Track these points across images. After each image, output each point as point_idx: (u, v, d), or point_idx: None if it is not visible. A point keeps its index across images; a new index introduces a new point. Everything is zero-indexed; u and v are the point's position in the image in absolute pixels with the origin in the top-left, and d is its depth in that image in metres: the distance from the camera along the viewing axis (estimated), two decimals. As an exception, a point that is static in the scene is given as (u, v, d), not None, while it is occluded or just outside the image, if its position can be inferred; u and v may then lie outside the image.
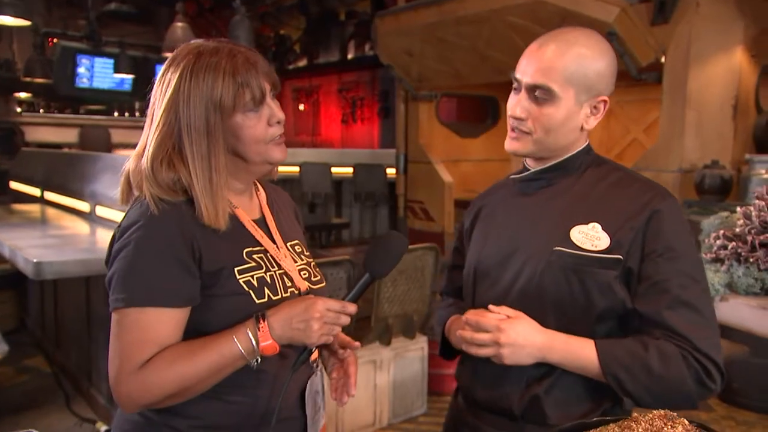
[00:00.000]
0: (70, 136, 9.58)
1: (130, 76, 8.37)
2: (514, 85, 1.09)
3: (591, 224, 1.05)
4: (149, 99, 1.00)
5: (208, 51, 0.98)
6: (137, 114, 10.68)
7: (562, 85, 1.03)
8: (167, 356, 0.92)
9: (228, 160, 0.99)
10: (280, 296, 1.00)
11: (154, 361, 0.92)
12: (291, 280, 1.04)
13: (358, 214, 7.21)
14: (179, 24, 6.02)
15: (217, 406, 0.98)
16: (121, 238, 0.96)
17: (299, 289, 1.05)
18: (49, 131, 9.38)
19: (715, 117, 4.36)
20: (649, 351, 0.97)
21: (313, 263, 1.14)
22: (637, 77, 4.45)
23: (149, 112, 1.00)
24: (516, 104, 1.08)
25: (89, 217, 3.07)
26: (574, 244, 1.04)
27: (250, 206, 1.09)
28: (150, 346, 0.92)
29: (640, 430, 0.78)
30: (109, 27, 8.98)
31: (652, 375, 0.96)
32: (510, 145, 1.11)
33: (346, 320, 0.97)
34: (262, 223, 1.08)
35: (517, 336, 1.01)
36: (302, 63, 10.40)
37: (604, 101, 1.08)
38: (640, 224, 1.02)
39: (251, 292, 0.97)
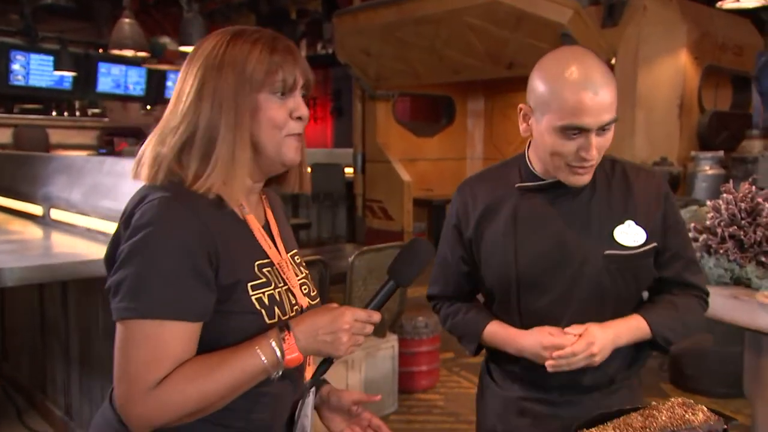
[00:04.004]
0: (4, 136, 9.05)
1: (71, 74, 7.98)
2: (573, 132, 1.10)
3: (627, 222, 1.18)
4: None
5: (249, 30, 0.94)
6: (77, 113, 10.20)
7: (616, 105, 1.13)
8: (185, 373, 0.85)
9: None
10: (287, 316, 0.95)
11: (171, 379, 0.84)
12: (294, 296, 0.98)
13: (316, 214, 7.14)
14: (126, 20, 5.78)
15: (213, 429, 0.92)
16: (133, 238, 0.85)
17: (302, 307, 0.98)
18: (-21, 131, 8.83)
19: (663, 116, 4.56)
20: (679, 308, 1.21)
21: (309, 276, 1.08)
22: (590, 78, 4.60)
23: (175, 88, 0.94)
24: (590, 149, 1.10)
25: (42, 221, 2.91)
26: (621, 245, 1.17)
27: (257, 211, 1.02)
28: (167, 363, 0.84)
29: (663, 418, 0.80)
30: (45, 22, 8.51)
31: (686, 325, 1.23)
32: (580, 180, 1.15)
33: (370, 329, 0.92)
34: (267, 229, 1.02)
35: (601, 343, 1.12)
36: (252, 61, 10.23)
37: None
38: (660, 210, 1.21)
39: (263, 311, 0.91)
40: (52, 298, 2.95)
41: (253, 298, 0.91)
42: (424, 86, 6.31)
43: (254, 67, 0.90)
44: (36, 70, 8.25)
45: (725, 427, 0.78)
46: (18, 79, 8.29)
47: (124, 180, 2.47)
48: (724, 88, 5.30)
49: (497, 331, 1.25)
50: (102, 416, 0.99)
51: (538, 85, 1.12)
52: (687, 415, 0.78)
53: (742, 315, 1.65)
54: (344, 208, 7.16)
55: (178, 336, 0.85)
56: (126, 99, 9.41)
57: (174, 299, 0.85)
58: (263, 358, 0.86)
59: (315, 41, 9.49)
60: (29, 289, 3.05)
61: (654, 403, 0.84)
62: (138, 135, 11.17)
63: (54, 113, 10.05)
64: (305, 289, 1.02)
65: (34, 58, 8.19)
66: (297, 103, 0.95)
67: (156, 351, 0.84)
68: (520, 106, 1.18)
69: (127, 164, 2.67)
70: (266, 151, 0.94)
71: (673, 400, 0.83)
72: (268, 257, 0.97)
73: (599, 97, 1.07)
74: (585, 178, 1.15)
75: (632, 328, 1.18)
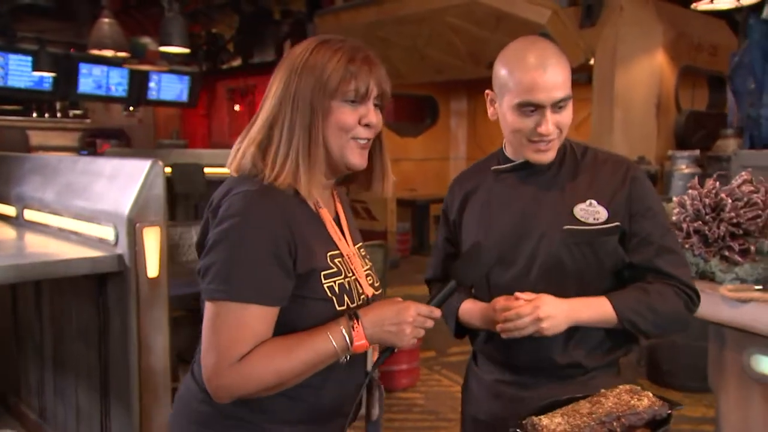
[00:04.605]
0: (-19, 137, 8.92)
1: (51, 75, 7.89)
2: (529, 108, 1.17)
3: (588, 201, 1.21)
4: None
5: (335, 39, 1.03)
6: (58, 114, 10.09)
7: (571, 86, 1.19)
8: (265, 351, 0.94)
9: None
10: (355, 304, 1.03)
11: (253, 356, 0.94)
12: (361, 286, 1.06)
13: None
14: (106, 20, 5.75)
15: (288, 403, 1.01)
16: (220, 226, 0.95)
17: (367, 296, 1.06)
18: (-44, 132, 8.70)
19: (641, 115, 4.62)
20: (651, 294, 1.18)
21: (372, 267, 1.16)
22: (568, 78, 4.65)
23: (266, 89, 1.04)
24: (545, 124, 1.16)
25: (16, 221, 2.87)
26: (580, 220, 1.20)
27: (329, 205, 1.10)
28: (249, 342, 0.94)
29: (609, 404, 0.82)
30: (23, 22, 8.40)
31: (657, 313, 1.17)
32: (544, 156, 1.21)
33: (431, 324, 1.01)
34: (337, 223, 1.10)
35: (550, 309, 1.13)
36: (236, 63, 10.17)
37: None
38: (625, 193, 1.22)
39: (334, 298, 0.99)
40: (25, 299, 2.92)
41: (325, 286, 0.99)
42: (407, 86, 6.34)
43: (330, 75, 0.99)
44: (15, 70, 8.14)
45: (669, 411, 0.80)
46: (-5, 80, 8.18)
47: (98, 179, 2.45)
48: (700, 88, 5.38)
49: (468, 308, 1.31)
50: (186, 388, 1.09)
51: (499, 70, 1.21)
52: (633, 401, 0.80)
53: (707, 308, 1.67)
54: (328, 209, 7.16)
55: (259, 318, 0.94)
56: (108, 100, 9.31)
57: (257, 285, 0.94)
58: (334, 343, 0.95)
59: (299, 42, 9.45)
60: (1, 290, 3.02)
61: (603, 390, 0.86)
62: (121, 136, 11.06)
63: (34, 114, 9.93)
64: (370, 279, 1.10)
65: (13, 58, 8.08)
66: (367, 110, 1.02)
67: (240, 330, 0.94)
68: (487, 92, 1.26)
69: (101, 163, 2.64)
70: (332, 152, 1.02)
71: (621, 387, 0.85)
72: (338, 248, 1.05)
73: (550, 75, 1.15)
74: (548, 155, 1.21)
75: (593, 306, 1.18)
